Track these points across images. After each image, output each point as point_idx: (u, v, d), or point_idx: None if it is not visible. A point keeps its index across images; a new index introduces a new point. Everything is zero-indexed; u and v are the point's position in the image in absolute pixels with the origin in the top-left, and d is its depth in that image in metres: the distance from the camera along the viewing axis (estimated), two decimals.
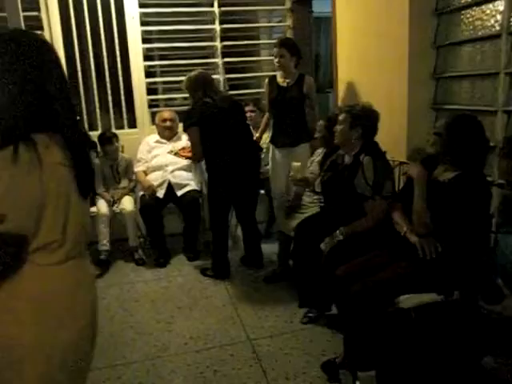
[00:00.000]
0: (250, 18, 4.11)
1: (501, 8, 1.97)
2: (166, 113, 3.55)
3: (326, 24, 5.00)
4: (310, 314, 2.43)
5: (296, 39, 3.92)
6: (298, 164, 2.63)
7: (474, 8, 2.12)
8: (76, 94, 3.60)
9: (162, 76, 3.95)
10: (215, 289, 2.91)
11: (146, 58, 3.77)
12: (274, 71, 4.26)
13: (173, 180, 3.38)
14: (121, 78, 3.73)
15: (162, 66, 3.93)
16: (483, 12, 2.08)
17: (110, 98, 3.75)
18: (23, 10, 2.29)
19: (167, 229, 3.46)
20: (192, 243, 3.43)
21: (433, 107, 2.45)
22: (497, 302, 1.78)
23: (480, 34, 2.10)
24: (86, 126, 3.70)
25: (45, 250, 0.95)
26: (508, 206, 1.85)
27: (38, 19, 3.44)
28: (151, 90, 3.87)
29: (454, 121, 1.80)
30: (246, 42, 4.01)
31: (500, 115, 2.01)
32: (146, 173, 3.46)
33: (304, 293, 2.50)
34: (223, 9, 3.81)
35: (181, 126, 3.27)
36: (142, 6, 3.64)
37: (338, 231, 2.21)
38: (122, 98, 3.77)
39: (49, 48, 0.99)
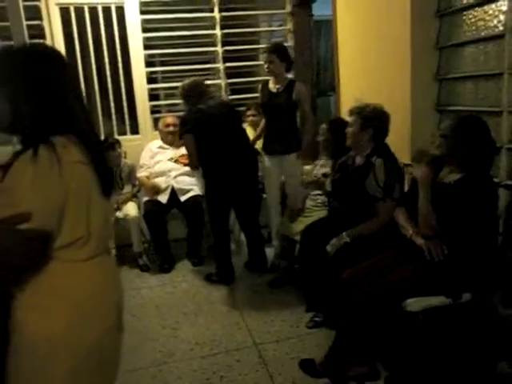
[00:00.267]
0: (251, 22, 4.12)
1: (504, 8, 1.96)
2: (169, 118, 3.56)
3: (327, 27, 5.01)
4: (316, 319, 2.41)
5: (296, 43, 3.96)
6: (309, 167, 2.63)
7: (477, 9, 2.12)
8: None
9: (163, 82, 3.96)
10: (220, 294, 2.90)
11: (148, 64, 3.78)
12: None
13: (176, 185, 3.38)
14: (123, 85, 3.74)
15: (163, 71, 3.95)
16: (486, 12, 2.07)
17: (112, 105, 3.76)
18: (26, 19, 2.31)
19: (171, 234, 3.46)
20: (196, 248, 3.42)
21: (436, 109, 2.44)
22: None
23: (483, 34, 2.09)
24: None
25: (71, 247, 0.98)
26: None
27: (41, 28, 3.46)
28: (153, 95, 3.89)
29: (460, 122, 1.79)
30: (246, 47, 4.02)
31: (505, 116, 2.00)
32: (148, 178, 3.47)
33: (311, 297, 2.49)
34: (224, 14, 3.82)
35: None
36: (142, 12, 3.65)
37: (344, 233, 2.20)
38: (124, 104, 3.78)
39: (66, 61, 1.06)
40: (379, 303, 1.74)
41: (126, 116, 3.82)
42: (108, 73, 3.70)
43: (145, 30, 3.70)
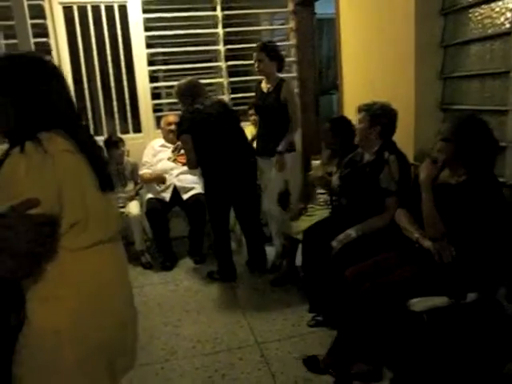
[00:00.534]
0: (253, 21, 4.12)
1: (511, 5, 1.94)
2: (171, 116, 3.56)
3: (329, 25, 5.01)
4: (318, 318, 2.41)
5: (299, 41, 3.95)
6: (318, 162, 2.62)
7: (483, 6, 2.10)
8: (81, 99, 3.63)
9: (165, 80, 3.96)
10: (222, 292, 2.91)
11: (150, 62, 3.78)
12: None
13: (178, 184, 3.39)
14: (125, 83, 3.75)
15: (165, 70, 3.95)
16: (492, 10, 2.05)
17: (114, 103, 3.77)
18: (30, 18, 2.31)
19: (173, 232, 3.47)
20: (198, 246, 3.43)
21: (441, 107, 2.43)
22: None
23: (489, 32, 2.07)
24: (92, 131, 3.72)
25: (71, 233, 0.98)
26: None
27: (44, 27, 3.47)
28: (155, 94, 3.89)
29: (461, 125, 1.77)
30: (249, 46, 4.01)
31: (511, 115, 1.98)
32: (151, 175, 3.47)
33: (313, 297, 2.49)
34: (226, 12, 3.82)
35: None
36: (145, 11, 3.66)
37: (351, 229, 2.20)
38: (127, 102, 3.78)
39: (53, 66, 1.11)
40: (382, 302, 1.74)
41: (129, 114, 3.82)
42: (111, 71, 3.70)
43: (147, 29, 3.70)
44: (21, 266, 0.84)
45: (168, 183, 3.39)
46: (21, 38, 2.39)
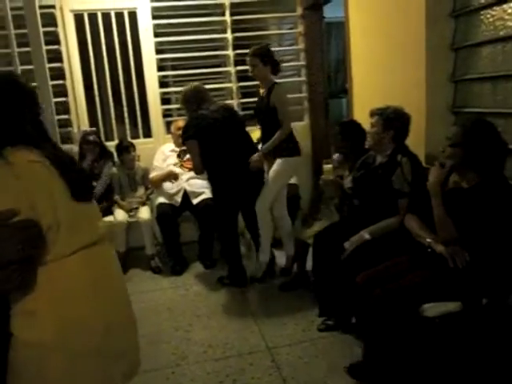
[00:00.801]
0: (262, 25, 4.13)
1: None
2: (181, 121, 3.57)
3: (337, 29, 5.01)
4: (328, 322, 2.40)
5: (308, 46, 3.95)
6: (330, 166, 2.60)
7: (495, 8, 2.08)
8: (92, 105, 3.67)
9: (175, 86, 3.99)
10: (232, 297, 2.90)
11: (160, 68, 3.82)
12: (286, 78, 4.31)
13: (188, 188, 3.41)
14: (135, 89, 3.78)
15: (175, 75, 3.98)
16: (505, 11, 2.03)
17: (125, 109, 3.80)
18: (42, 26, 2.35)
19: (183, 237, 3.48)
20: (208, 251, 3.43)
21: (452, 110, 2.41)
22: None
23: (501, 34, 2.05)
24: (102, 136, 3.76)
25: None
26: None
27: (55, 34, 3.52)
28: (165, 99, 3.92)
29: (470, 129, 1.76)
30: None
31: None
32: None
33: (324, 301, 2.47)
34: (235, 17, 3.84)
35: None
36: (154, 17, 3.69)
37: (364, 230, 2.19)
38: (137, 108, 3.82)
39: (22, 84, 1.10)
40: (394, 306, 1.72)
41: (139, 120, 3.85)
42: (121, 77, 3.74)
43: (157, 35, 3.73)
44: (10, 277, 0.85)
45: (178, 188, 3.41)
46: (34, 46, 2.43)
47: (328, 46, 5.13)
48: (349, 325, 2.32)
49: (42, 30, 2.45)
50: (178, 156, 3.37)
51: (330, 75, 5.08)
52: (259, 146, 3.16)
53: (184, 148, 3.28)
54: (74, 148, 3.65)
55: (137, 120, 3.86)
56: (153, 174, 3.52)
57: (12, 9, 2.43)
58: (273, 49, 4.17)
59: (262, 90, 3.03)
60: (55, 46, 3.51)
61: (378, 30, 2.91)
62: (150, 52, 3.72)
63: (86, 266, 1.05)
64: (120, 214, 3.38)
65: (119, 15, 3.64)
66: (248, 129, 3.04)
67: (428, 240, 1.83)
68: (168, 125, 3.81)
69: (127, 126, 3.84)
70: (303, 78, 4.06)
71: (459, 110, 2.38)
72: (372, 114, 2.29)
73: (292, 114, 3.42)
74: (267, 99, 2.83)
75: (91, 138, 3.46)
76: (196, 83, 2.97)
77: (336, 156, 2.80)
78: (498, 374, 1.67)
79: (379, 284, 1.81)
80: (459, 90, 2.39)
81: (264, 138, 2.96)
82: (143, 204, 3.51)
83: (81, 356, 1.02)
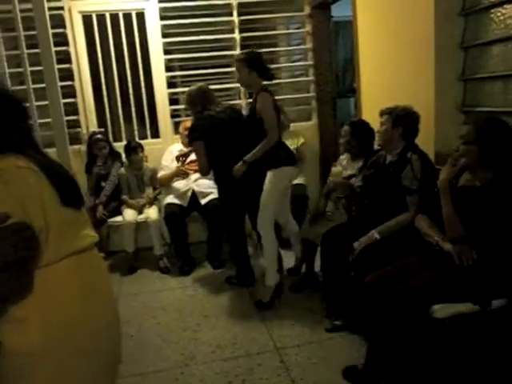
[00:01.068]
0: (269, 25, 4.12)
1: None
2: (189, 122, 3.56)
3: (345, 28, 4.98)
4: (337, 322, 2.39)
5: (315, 45, 3.94)
6: (339, 168, 2.58)
7: (506, 6, 2.05)
8: (100, 106, 3.69)
9: (182, 86, 4.00)
10: (241, 297, 2.90)
11: (167, 68, 3.83)
12: (294, 77, 4.30)
13: (196, 189, 3.41)
14: (143, 90, 3.80)
15: (183, 76, 3.99)
16: None
17: (133, 109, 3.82)
18: (51, 28, 2.37)
19: (191, 237, 3.49)
20: (216, 251, 3.44)
21: (462, 110, 2.39)
22: None
23: None
24: (111, 136, 3.78)
25: None
26: None
27: (64, 35, 3.55)
28: (173, 100, 3.93)
29: (483, 127, 1.75)
30: (266, 50, 4.02)
31: None
32: None
33: (332, 302, 2.46)
34: (242, 17, 3.84)
35: None
36: (162, 18, 3.70)
37: (374, 230, 2.18)
38: (145, 108, 3.84)
39: (8, 94, 1.11)
40: (403, 307, 1.71)
41: (147, 120, 3.87)
42: (129, 78, 3.77)
43: (165, 35, 3.75)
44: (8, 280, 0.85)
45: (186, 188, 3.41)
46: (43, 48, 2.45)
47: (336, 46, 5.11)
48: (357, 325, 2.31)
49: (50, 31, 2.46)
50: (177, 160, 3.35)
51: (338, 74, 5.05)
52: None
53: (183, 152, 3.29)
54: (82, 148, 3.68)
55: (145, 120, 3.87)
56: (161, 173, 3.53)
57: (22, 11, 2.45)
58: (281, 48, 4.22)
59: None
60: (64, 48, 3.54)
61: (386, 28, 2.89)
62: (157, 52, 3.73)
63: (74, 272, 1.04)
64: (129, 214, 3.41)
65: (127, 16, 3.66)
66: None
67: (436, 238, 1.83)
68: (176, 125, 3.82)
69: (135, 127, 3.86)
70: (311, 78, 4.05)
71: (469, 109, 2.35)
72: (382, 113, 2.31)
73: (293, 115, 3.37)
74: (253, 106, 2.71)
75: (100, 138, 3.49)
76: (201, 83, 2.96)
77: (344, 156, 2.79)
78: (509, 377, 1.65)
79: (388, 285, 1.80)
80: (469, 89, 2.37)
81: (251, 148, 2.72)
82: (151, 204, 3.52)
83: (68, 362, 1.02)
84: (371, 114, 2.57)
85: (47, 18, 2.43)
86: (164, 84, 3.80)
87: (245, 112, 3.41)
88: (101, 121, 3.79)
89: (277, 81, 4.16)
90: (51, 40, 2.53)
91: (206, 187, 3.42)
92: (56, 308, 1.00)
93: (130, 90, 3.79)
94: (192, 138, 2.82)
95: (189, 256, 3.42)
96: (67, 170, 1.16)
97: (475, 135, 1.75)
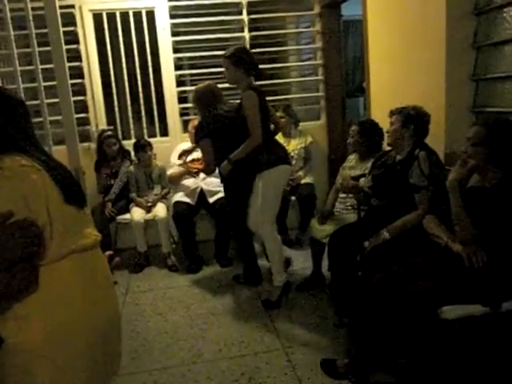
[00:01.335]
0: (279, 24, 4.12)
1: None
2: (198, 120, 3.60)
3: (355, 27, 4.97)
4: (344, 322, 2.38)
5: (325, 44, 3.92)
6: (347, 172, 2.58)
7: None
8: (110, 103, 3.71)
9: (192, 85, 4.01)
10: (248, 296, 2.90)
11: (177, 67, 3.84)
12: (303, 77, 4.30)
13: (205, 187, 3.42)
14: (153, 88, 3.82)
15: (192, 74, 3.99)
16: None
17: (142, 107, 3.84)
18: (62, 26, 2.38)
19: (199, 235, 3.50)
20: (224, 250, 3.44)
21: (473, 110, 2.37)
22: None
23: None
24: (120, 134, 3.80)
25: None
26: None
27: (75, 34, 3.57)
28: (182, 98, 3.94)
29: (492, 128, 1.74)
30: (275, 49, 4.02)
31: None
32: None
33: (339, 302, 2.46)
34: (252, 16, 3.83)
35: None
36: (172, 16, 3.72)
37: (384, 230, 2.17)
38: (154, 106, 3.86)
39: (9, 96, 1.11)
40: (411, 309, 1.70)
41: (156, 118, 3.89)
42: (138, 76, 3.78)
43: (174, 34, 3.76)
44: (14, 277, 0.86)
45: (194, 186, 3.42)
46: (54, 46, 2.46)
47: (345, 45, 5.09)
48: (364, 325, 2.30)
49: (61, 29, 2.48)
50: (179, 157, 3.34)
51: (348, 74, 5.03)
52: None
53: (187, 149, 3.28)
54: (92, 146, 3.71)
55: (154, 119, 3.89)
56: (171, 171, 3.54)
57: (33, 9, 2.47)
58: (290, 47, 4.21)
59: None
60: (74, 46, 3.57)
61: (397, 28, 2.87)
62: (167, 51, 3.75)
63: (76, 271, 1.05)
64: (137, 213, 3.42)
65: (137, 14, 3.68)
66: None
67: (445, 239, 1.82)
68: (185, 123, 3.83)
69: (144, 125, 3.88)
70: (320, 77, 4.04)
71: (481, 109, 2.33)
72: (391, 113, 2.30)
73: (302, 114, 3.32)
74: (239, 105, 2.67)
75: (110, 134, 3.52)
76: (208, 82, 2.96)
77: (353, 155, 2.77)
78: None
79: (396, 285, 1.79)
80: (480, 89, 2.35)
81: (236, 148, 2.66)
82: (159, 202, 3.53)
83: (69, 361, 1.03)
84: (381, 114, 2.55)
85: (58, 16, 2.44)
86: (173, 82, 3.81)
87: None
88: (110, 119, 3.82)
89: (287, 80, 4.18)
90: (62, 38, 2.55)
91: (214, 186, 3.42)
92: (58, 306, 1.01)
93: (140, 88, 3.80)
94: (200, 136, 2.82)
95: (197, 254, 3.42)
96: (69, 170, 1.17)
97: (484, 136, 1.73)
